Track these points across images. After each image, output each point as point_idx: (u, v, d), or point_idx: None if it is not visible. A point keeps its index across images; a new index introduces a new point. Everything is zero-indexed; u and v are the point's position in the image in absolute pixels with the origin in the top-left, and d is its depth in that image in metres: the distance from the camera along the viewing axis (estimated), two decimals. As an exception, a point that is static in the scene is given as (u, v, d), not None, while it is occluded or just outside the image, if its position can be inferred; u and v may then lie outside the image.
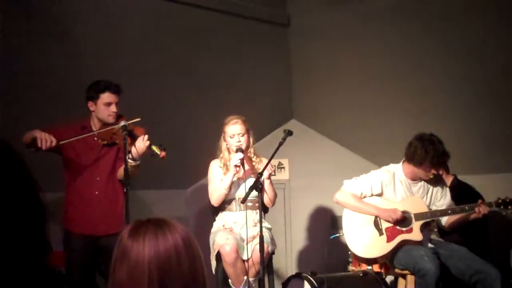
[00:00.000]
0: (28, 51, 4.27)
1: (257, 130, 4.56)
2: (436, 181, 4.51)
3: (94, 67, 4.54)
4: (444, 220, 4.47)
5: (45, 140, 3.69)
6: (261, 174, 3.98)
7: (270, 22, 5.56)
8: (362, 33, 5.20)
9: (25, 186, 1.06)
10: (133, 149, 3.85)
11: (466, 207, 4.29)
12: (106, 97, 4.01)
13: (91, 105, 4.06)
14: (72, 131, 4.01)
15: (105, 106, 4.02)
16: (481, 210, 4.22)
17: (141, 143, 3.84)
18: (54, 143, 3.73)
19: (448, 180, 5.08)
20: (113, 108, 4.02)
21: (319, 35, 5.49)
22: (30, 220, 1.04)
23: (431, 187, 4.46)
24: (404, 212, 4.31)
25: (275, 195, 4.47)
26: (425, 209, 4.34)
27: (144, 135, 3.90)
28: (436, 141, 4.27)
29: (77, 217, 4.05)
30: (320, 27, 5.41)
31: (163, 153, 3.84)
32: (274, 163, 6.16)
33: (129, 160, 3.82)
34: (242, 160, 4.19)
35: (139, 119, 3.93)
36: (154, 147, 3.84)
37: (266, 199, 4.35)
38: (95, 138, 4.05)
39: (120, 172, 4.06)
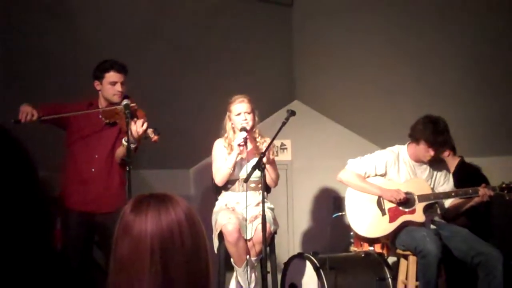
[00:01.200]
0: (29, 33, 4.25)
1: (260, 111, 4.55)
2: (440, 166, 4.50)
3: (97, 50, 4.52)
4: (447, 204, 4.46)
5: (26, 113, 3.72)
6: (263, 153, 3.97)
7: (273, 1, 5.52)
8: (366, 13, 5.15)
9: (26, 173, 1.04)
10: (133, 130, 3.85)
11: (470, 190, 4.28)
12: (111, 76, 4.04)
13: (97, 85, 4.10)
14: (78, 107, 4.05)
15: (110, 85, 4.05)
16: (485, 192, 4.20)
17: (139, 128, 3.84)
18: (35, 117, 3.75)
19: (455, 162, 5.07)
20: (118, 87, 4.04)
21: (323, 15, 5.45)
22: (32, 202, 1.03)
23: (435, 172, 4.44)
24: (407, 193, 4.30)
25: (278, 176, 4.47)
26: (429, 191, 4.33)
27: (144, 118, 3.90)
28: (441, 123, 4.23)
29: (73, 194, 4.08)
30: (323, 7, 5.36)
31: (155, 137, 3.86)
32: (277, 143, 6.18)
33: (125, 142, 3.83)
34: (245, 139, 4.18)
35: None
36: (148, 131, 3.84)
37: (269, 179, 4.35)
38: (99, 116, 4.06)
39: (117, 153, 4.08)
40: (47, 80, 4.51)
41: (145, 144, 4.05)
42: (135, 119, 3.88)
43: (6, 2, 4.03)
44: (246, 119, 4.31)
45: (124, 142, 3.86)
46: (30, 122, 3.74)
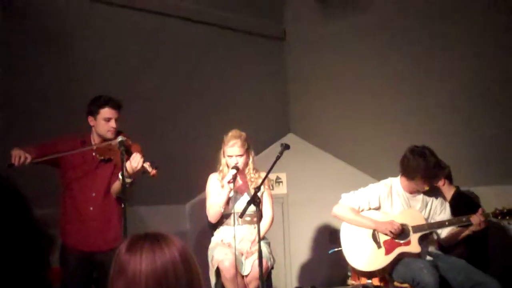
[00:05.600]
0: (27, 62, 4.27)
1: (254, 144, 4.57)
2: (436, 195, 4.50)
3: (91, 80, 4.55)
4: (444, 234, 4.45)
5: (19, 156, 3.66)
6: (258, 188, 3.98)
7: (265, 36, 5.59)
8: (357, 46, 5.22)
9: (13, 206, 1.04)
10: (127, 166, 3.83)
11: (464, 219, 4.27)
12: (106, 112, 4.01)
13: (91, 120, 4.06)
14: (71, 145, 4.02)
15: (104, 121, 4.02)
16: (479, 219, 4.17)
17: (135, 162, 3.81)
18: (28, 160, 3.70)
19: (451, 191, 5.06)
20: (112, 124, 4.02)
21: (315, 49, 5.51)
22: (26, 240, 1.03)
23: (430, 201, 4.45)
24: (402, 225, 4.30)
25: (270, 222, 4.50)
26: (423, 222, 4.33)
27: (140, 152, 3.88)
28: (428, 154, 4.24)
29: (72, 232, 4.05)
30: (315, 40, 5.43)
31: (153, 171, 3.82)
32: (272, 177, 6.17)
33: (121, 177, 3.79)
34: (235, 176, 4.22)
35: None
36: (145, 165, 3.82)
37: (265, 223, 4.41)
38: (93, 154, 4.04)
39: (113, 188, 4.05)
40: (46, 104, 4.50)
41: (140, 180, 4.04)
42: (131, 153, 3.86)
43: (5, 36, 4.05)
44: (237, 162, 4.34)
45: (120, 176, 3.81)
46: (23, 166, 3.69)
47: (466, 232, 4.33)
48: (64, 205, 4.11)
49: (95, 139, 4.12)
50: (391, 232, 4.26)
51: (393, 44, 5.01)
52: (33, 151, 3.80)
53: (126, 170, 3.77)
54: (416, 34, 4.88)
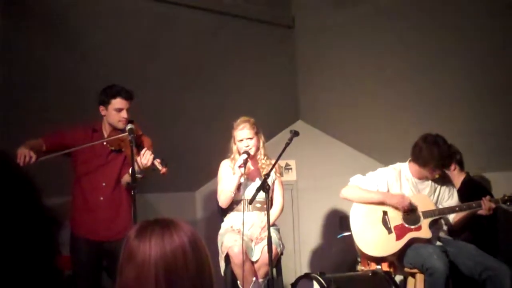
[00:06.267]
0: (29, 54, 4.25)
1: (263, 131, 4.58)
2: (444, 181, 4.50)
3: (97, 70, 4.54)
4: (451, 218, 4.46)
5: (23, 156, 3.65)
6: (268, 175, 4.00)
7: (274, 23, 5.56)
8: (367, 33, 5.18)
9: (25, 195, 1.06)
10: (137, 162, 3.83)
11: (474, 204, 4.27)
12: (117, 102, 4.01)
13: (102, 110, 4.06)
14: (83, 135, 4.04)
15: (115, 112, 4.02)
16: (486, 205, 4.19)
17: (145, 159, 3.82)
18: (33, 160, 3.67)
19: (461, 177, 5.06)
20: (123, 114, 4.02)
21: (324, 36, 5.48)
22: (35, 226, 1.05)
23: (438, 187, 4.45)
24: (411, 205, 4.29)
25: (281, 210, 4.55)
26: (433, 207, 4.33)
27: (150, 147, 3.89)
28: (441, 143, 4.23)
29: (81, 222, 4.06)
30: (325, 28, 5.40)
31: (163, 170, 3.84)
32: (282, 164, 6.18)
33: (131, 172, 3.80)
34: (245, 160, 4.23)
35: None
36: (156, 162, 3.83)
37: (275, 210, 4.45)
38: (104, 143, 4.05)
39: (123, 180, 4.07)
40: (48, 100, 4.49)
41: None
42: (142, 149, 3.85)
43: (7, 23, 4.05)
44: (248, 145, 4.36)
45: (129, 171, 3.82)
46: (29, 164, 3.66)
47: (476, 213, 4.31)
48: (74, 194, 4.13)
49: (106, 128, 4.13)
50: (402, 206, 4.25)
51: (404, 31, 4.97)
52: (41, 145, 3.81)
53: (137, 164, 3.78)
54: (429, 23, 4.84)
